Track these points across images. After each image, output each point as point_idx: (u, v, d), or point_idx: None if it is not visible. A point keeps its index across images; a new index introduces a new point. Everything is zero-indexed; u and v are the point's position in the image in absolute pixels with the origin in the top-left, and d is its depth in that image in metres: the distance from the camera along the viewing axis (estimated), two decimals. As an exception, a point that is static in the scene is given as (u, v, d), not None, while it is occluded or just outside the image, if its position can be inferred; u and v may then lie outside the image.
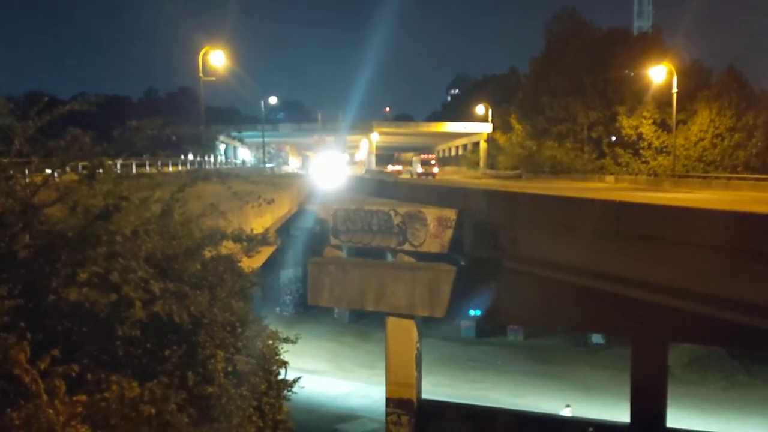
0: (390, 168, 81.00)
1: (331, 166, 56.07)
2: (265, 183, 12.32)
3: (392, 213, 21.23)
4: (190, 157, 41.72)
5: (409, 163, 79.52)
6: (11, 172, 5.11)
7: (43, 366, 4.08)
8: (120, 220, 5.35)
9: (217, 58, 39.23)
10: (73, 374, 4.23)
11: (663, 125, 47.38)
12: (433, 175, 62.19)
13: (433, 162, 68.21)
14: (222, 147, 71.92)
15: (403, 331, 21.63)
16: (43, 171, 5.79)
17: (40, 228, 4.94)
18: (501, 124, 68.19)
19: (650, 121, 48.06)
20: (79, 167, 5.83)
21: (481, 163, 75.17)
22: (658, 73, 44.19)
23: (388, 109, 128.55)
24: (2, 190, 4.96)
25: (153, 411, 4.40)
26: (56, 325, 4.72)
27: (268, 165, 69.61)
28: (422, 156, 71.25)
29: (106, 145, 5.90)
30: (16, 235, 4.77)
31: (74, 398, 4.16)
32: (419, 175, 62.31)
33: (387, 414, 21.95)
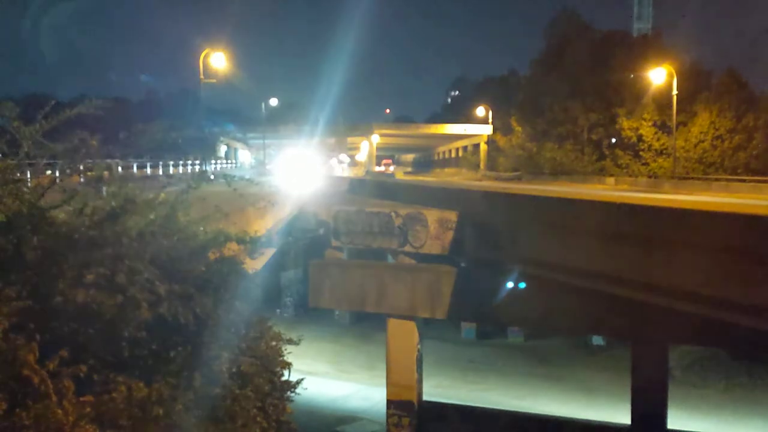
0: (377, 169, 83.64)
1: (303, 167, 45.69)
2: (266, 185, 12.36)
3: (393, 215, 21.28)
4: (190, 162, 41.62)
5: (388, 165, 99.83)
6: (18, 174, 5.16)
7: (51, 367, 4.12)
8: (126, 221, 5.40)
9: (217, 60, 39.33)
10: (81, 375, 4.27)
11: (663, 127, 47.45)
12: (390, 173, 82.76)
13: (390, 163, 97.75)
14: (223, 149, 71.98)
15: (403, 332, 21.66)
16: (46, 173, 5.83)
17: (47, 230, 4.98)
18: (501, 126, 68.31)
19: (650, 123, 48.12)
20: (81, 168, 5.87)
21: (482, 165, 75.26)
22: (658, 75, 44.27)
23: (388, 110, 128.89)
24: (10, 192, 5.01)
25: (161, 411, 4.44)
26: (63, 327, 4.75)
27: (267, 167, 69.59)
28: (384, 161, 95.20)
29: (112, 147, 5.95)
30: (23, 237, 4.81)
31: (82, 399, 4.19)
32: (380, 172, 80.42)
33: (388, 416, 21.97)
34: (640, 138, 48.75)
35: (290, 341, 7.79)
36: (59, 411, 3.94)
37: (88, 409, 4.14)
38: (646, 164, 48.56)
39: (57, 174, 5.76)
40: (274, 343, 7.32)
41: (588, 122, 52.73)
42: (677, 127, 44.11)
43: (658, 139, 47.93)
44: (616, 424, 21.02)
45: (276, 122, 77.54)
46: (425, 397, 22.49)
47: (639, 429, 18.98)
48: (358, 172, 76.55)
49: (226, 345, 5.73)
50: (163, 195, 6.30)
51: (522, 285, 18.68)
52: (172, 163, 33.49)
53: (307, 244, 22.86)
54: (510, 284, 18.87)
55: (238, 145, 79.41)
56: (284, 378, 7.29)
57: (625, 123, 49.30)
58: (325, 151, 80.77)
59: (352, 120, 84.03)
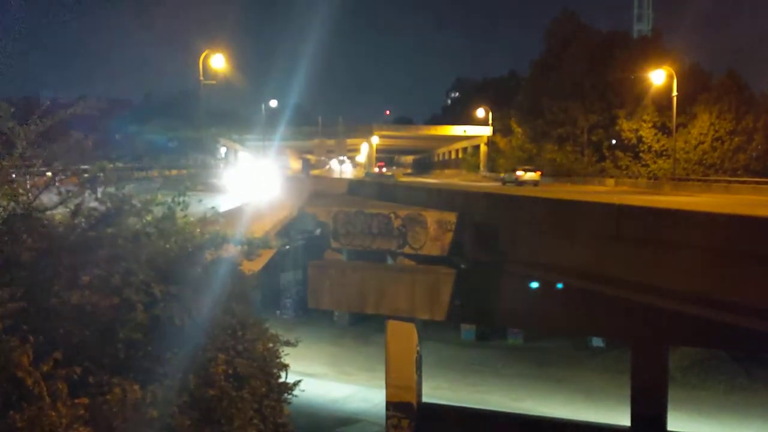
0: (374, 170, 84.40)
1: (260, 172, 36.75)
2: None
3: (392, 216, 21.24)
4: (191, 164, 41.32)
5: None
6: (14, 175, 5.14)
7: (45, 369, 4.10)
8: (121, 223, 5.38)
9: (217, 61, 39.30)
10: (75, 377, 4.25)
11: (663, 128, 47.42)
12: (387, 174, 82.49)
13: (383, 165, 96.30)
14: (223, 151, 71.80)
15: (403, 334, 21.62)
16: (43, 174, 5.81)
17: (42, 231, 4.96)
18: (501, 127, 68.34)
19: (650, 125, 48.10)
20: (77, 169, 5.85)
21: (482, 166, 75.30)
22: (658, 77, 44.26)
23: (388, 112, 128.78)
24: (5, 193, 4.99)
25: (155, 414, 4.42)
26: (58, 328, 4.73)
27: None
28: (378, 163, 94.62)
29: (109, 148, 5.94)
30: (18, 238, 4.79)
31: (76, 401, 4.17)
32: (377, 174, 79.91)
33: (387, 417, 21.92)
34: (640, 139, 48.72)
35: (288, 343, 7.75)
36: (53, 413, 3.92)
37: (82, 411, 4.12)
38: (646, 166, 48.53)
39: (52, 175, 5.74)
40: (271, 344, 7.29)
41: (588, 123, 52.71)
42: (677, 129, 44.09)
43: (658, 141, 47.90)
44: (616, 425, 20.98)
45: (275, 124, 77.25)
46: (424, 399, 22.44)
47: (639, 431, 18.93)
48: (358, 174, 76.67)
49: (222, 347, 5.71)
50: (159, 196, 6.27)
51: (521, 286, 18.64)
52: (172, 165, 33.43)
53: (306, 245, 22.79)
54: (509, 285, 18.83)
55: (238, 146, 79.35)
56: (281, 380, 7.26)
57: (625, 124, 49.28)
58: (296, 153, 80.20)
59: (351, 121, 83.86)
